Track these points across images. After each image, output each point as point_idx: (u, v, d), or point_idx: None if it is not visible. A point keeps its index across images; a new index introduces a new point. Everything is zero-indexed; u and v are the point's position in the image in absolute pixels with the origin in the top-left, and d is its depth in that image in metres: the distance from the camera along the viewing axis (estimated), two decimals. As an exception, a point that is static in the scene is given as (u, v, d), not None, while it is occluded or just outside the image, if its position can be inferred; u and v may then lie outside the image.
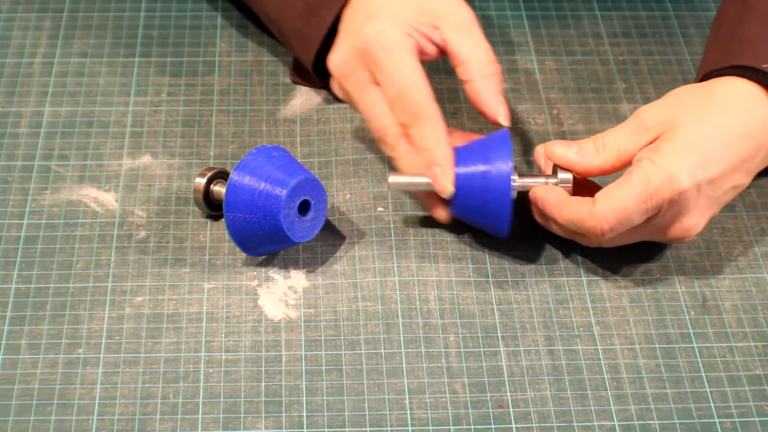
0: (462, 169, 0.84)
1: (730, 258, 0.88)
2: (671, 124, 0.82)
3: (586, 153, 0.84)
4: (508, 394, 0.79)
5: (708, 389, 0.80)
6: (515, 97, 1.00)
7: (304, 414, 0.78)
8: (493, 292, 0.85)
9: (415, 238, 0.88)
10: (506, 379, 0.80)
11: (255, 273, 0.86)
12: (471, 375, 0.80)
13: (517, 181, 0.84)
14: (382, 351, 0.81)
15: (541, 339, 0.82)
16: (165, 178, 0.92)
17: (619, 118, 0.98)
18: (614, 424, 0.78)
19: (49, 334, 0.81)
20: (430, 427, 0.77)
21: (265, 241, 0.83)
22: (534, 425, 0.78)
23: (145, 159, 0.93)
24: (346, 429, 0.77)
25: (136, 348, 0.81)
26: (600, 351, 0.82)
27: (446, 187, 0.84)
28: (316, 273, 0.86)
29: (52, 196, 0.90)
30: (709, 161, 0.81)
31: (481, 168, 0.83)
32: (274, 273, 0.86)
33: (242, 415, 0.78)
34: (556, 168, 0.85)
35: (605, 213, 0.80)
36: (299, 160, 0.91)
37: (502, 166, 0.82)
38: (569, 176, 0.84)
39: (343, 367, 0.80)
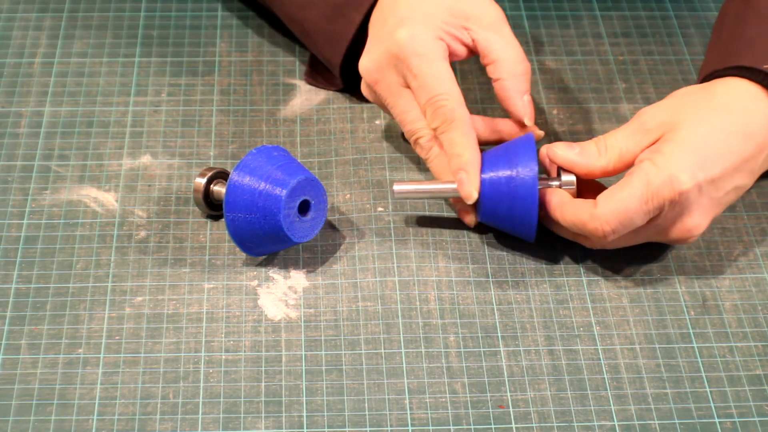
0: (488, 175, 0.84)
1: (730, 258, 0.88)
2: (672, 125, 0.82)
3: (588, 154, 0.84)
4: (508, 394, 0.79)
5: (708, 389, 0.80)
6: (515, 97, 1.00)
7: (304, 414, 0.78)
8: (493, 292, 0.85)
9: (415, 238, 0.88)
10: (506, 379, 0.80)
11: (255, 273, 0.86)
12: (471, 375, 0.80)
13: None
14: (382, 351, 0.81)
15: (541, 339, 0.82)
16: (165, 178, 0.92)
17: (619, 118, 0.98)
18: (614, 424, 0.78)
19: (49, 334, 0.81)
20: (430, 427, 0.77)
21: (265, 241, 0.83)
22: (534, 425, 0.78)
23: (145, 159, 0.93)
24: (346, 429, 0.77)
25: (136, 348, 0.81)
26: (600, 351, 0.82)
27: (471, 193, 0.84)
28: (316, 273, 0.86)
29: (52, 196, 0.90)
30: (709, 161, 0.81)
31: (506, 173, 0.83)
32: (274, 273, 0.86)
33: (242, 415, 0.78)
34: (560, 170, 0.85)
35: (607, 215, 0.80)
36: (299, 160, 0.91)
37: (527, 172, 0.82)
38: (572, 178, 0.84)
39: (343, 367, 0.80)
